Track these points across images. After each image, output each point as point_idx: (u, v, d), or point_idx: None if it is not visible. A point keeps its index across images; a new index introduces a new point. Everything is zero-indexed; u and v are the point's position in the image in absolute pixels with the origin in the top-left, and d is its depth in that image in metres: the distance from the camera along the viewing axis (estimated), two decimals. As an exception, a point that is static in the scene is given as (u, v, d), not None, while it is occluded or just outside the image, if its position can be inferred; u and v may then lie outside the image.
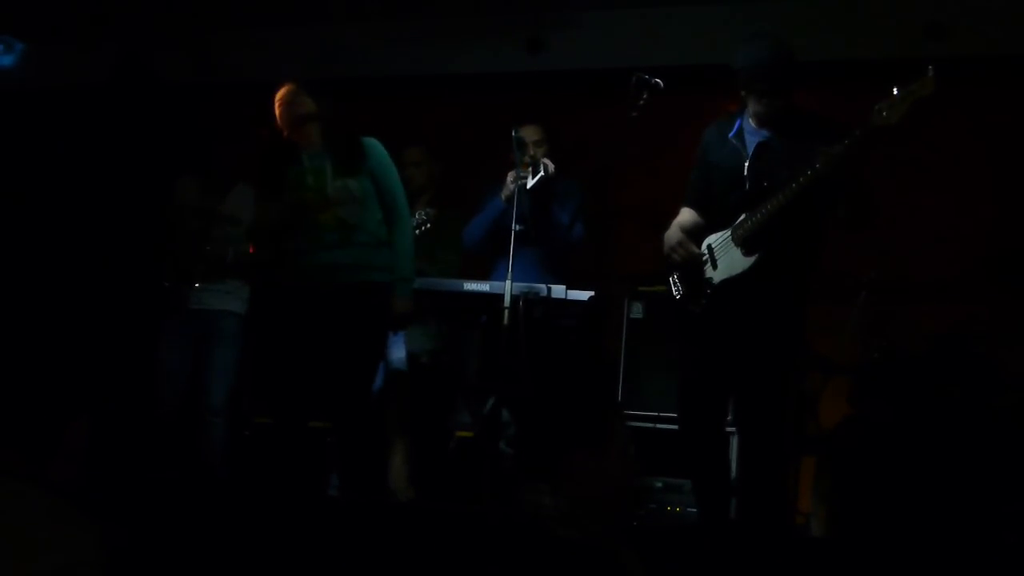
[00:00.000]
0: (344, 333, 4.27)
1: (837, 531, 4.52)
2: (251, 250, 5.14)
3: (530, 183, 4.70)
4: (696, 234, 4.02)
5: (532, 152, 4.88)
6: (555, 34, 6.41)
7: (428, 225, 4.90)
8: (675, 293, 4.06)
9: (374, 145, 4.44)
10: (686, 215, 4.09)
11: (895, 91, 3.53)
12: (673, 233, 4.05)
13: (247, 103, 6.88)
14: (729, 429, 4.29)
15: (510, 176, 4.73)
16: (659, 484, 4.87)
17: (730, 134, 3.95)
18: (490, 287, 4.70)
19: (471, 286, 4.73)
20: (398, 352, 4.95)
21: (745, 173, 3.87)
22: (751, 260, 3.81)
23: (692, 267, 3.98)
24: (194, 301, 5.04)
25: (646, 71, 4.22)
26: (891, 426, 4.59)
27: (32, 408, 1.67)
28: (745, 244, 3.82)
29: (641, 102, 4.19)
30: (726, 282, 3.88)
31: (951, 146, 5.83)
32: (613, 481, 2.21)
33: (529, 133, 4.95)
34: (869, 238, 5.32)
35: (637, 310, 5.15)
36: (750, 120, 3.93)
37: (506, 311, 4.42)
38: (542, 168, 4.76)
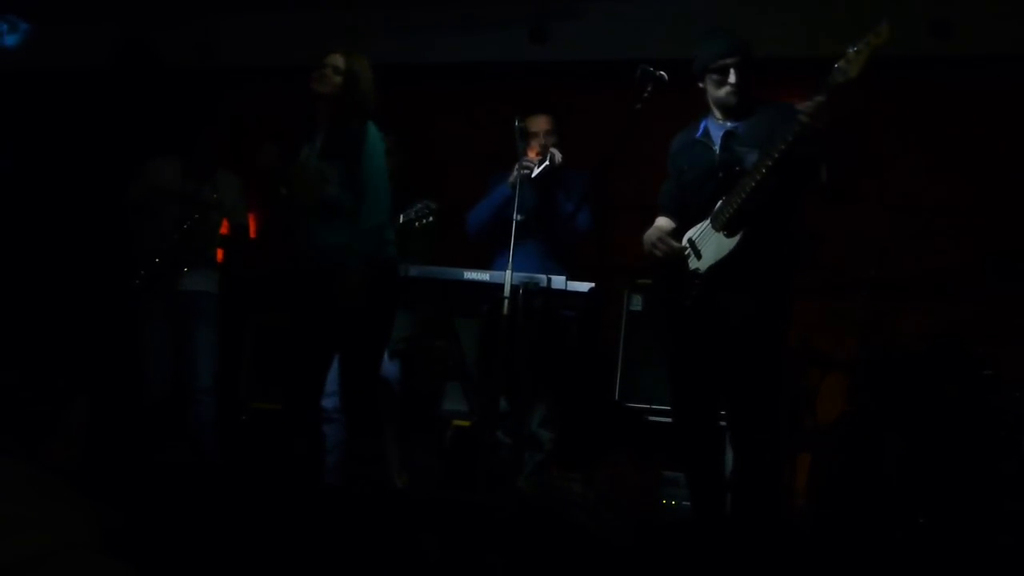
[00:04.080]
0: (335, 315, 4.25)
1: (832, 527, 4.53)
2: (224, 231, 5.19)
3: (535, 171, 4.69)
4: (674, 237, 4.07)
5: (543, 141, 4.87)
6: (559, 24, 6.40)
7: (431, 218, 4.88)
8: (660, 291, 4.08)
9: (368, 130, 4.39)
10: (663, 221, 4.16)
11: (850, 48, 3.57)
12: (651, 232, 4.10)
13: (245, 88, 6.95)
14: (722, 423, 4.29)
15: (517, 166, 4.72)
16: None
17: (697, 135, 4.05)
18: (490, 276, 4.70)
19: (471, 275, 4.73)
20: None
21: (716, 163, 3.94)
22: (734, 240, 3.84)
23: (675, 262, 4.01)
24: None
25: (650, 63, 4.21)
26: (888, 423, 4.60)
27: (29, 390, 1.67)
28: (728, 226, 3.85)
29: (645, 95, 4.19)
30: (714, 268, 3.90)
31: (954, 144, 5.83)
32: (643, 492, 2.29)
33: (539, 123, 4.91)
34: (868, 235, 5.34)
35: (636, 302, 5.16)
36: (713, 119, 4.03)
37: (506, 301, 4.42)
38: (548, 157, 4.75)
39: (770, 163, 3.72)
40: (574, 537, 2.15)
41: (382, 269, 4.32)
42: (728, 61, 3.90)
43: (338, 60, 4.36)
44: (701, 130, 4.04)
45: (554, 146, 4.85)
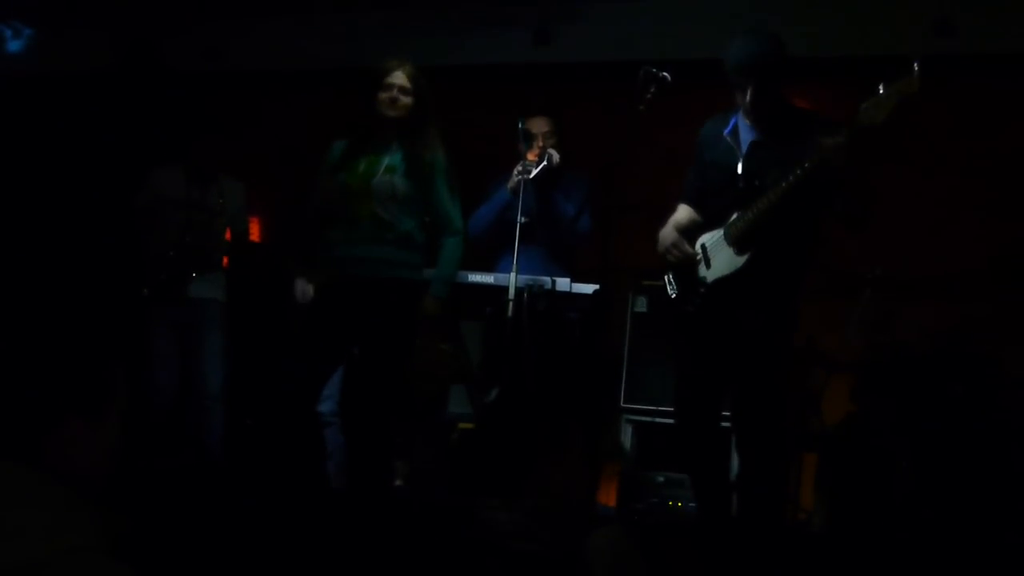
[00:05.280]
0: (370, 326, 4.18)
1: (838, 528, 4.53)
2: (227, 237, 5.18)
3: (534, 172, 4.68)
4: (693, 231, 4.01)
5: (541, 143, 4.86)
6: (563, 26, 6.40)
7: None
8: (670, 292, 4.06)
9: (440, 155, 4.31)
10: (683, 212, 4.09)
11: (880, 89, 3.47)
12: (668, 233, 4.04)
13: (251, 92, 6.96)
14: (727, 424, 4.28)
15: (517, 168, 4.72)
16: (661, 479, 4.87)
17: (725, 131, 3.91)
18: (495, 279, 4.71)
19: (476, 278, 4.73)
20: None
21: (739, 171, 3.84)
22: (742, 259, 3.79)
23: (686, 267, 3.98)
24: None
25: (654, 64, 4.20)
26: (894, 423, 4.59)
27: (35, 395, 1.66)
28: (737, 243, 3.80)
29: (648, 96, 4.17)
30: (719, 281, 3.87)
31: (958, 144, 5.83)
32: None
33: (538, 124, 4.92)
34: (873, 235, 5.34)
35: (641, 304, 5.15)
36: (744, 118, 3.90)
37: (510, 303, 4.42)
38: (546, 157, 4.74)
39: (785, 186, 3.63)
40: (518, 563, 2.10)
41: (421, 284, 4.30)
42: (742, 80, 3.73)
43: (402, 79, 4.22)
44: (731, 126, 3.90)
45: (554, 147, 4.84)
